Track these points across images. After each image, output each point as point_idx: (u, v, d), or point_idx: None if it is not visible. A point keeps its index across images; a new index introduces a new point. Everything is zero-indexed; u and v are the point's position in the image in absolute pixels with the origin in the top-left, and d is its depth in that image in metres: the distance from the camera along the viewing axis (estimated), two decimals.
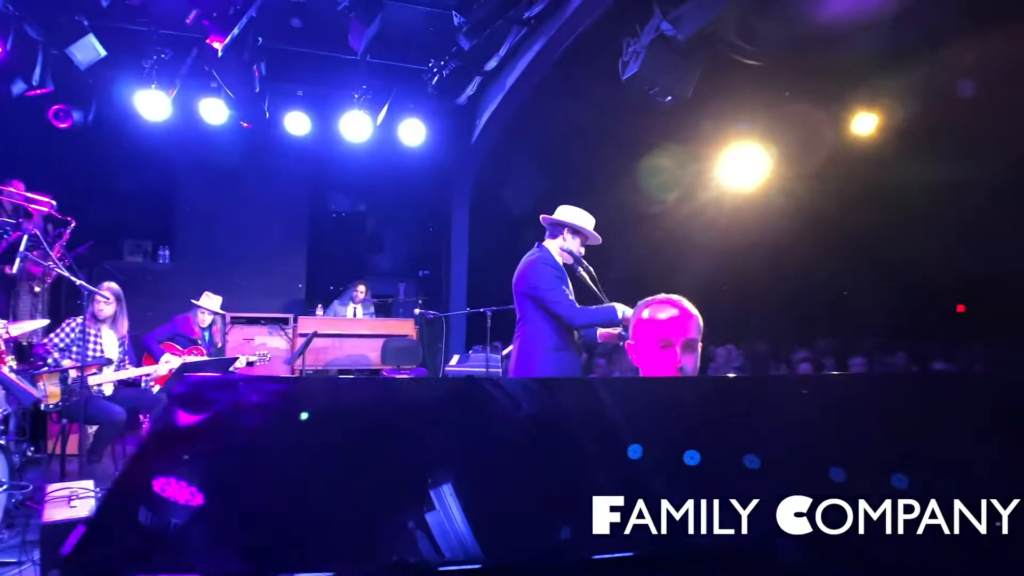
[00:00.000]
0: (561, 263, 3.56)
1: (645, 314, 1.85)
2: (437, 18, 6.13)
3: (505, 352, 6.79)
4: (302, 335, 6.98)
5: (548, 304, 3.36)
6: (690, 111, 6.25)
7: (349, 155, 8.06)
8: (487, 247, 8.77)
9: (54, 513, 3.16)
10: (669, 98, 5.19)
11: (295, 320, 8.08)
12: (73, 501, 3.31)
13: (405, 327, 7.52)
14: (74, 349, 4.82)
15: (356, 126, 7.38)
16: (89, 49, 5.85)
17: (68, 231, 5.87)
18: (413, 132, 7.62)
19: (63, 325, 4.98)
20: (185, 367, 4.78)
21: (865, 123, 7.48)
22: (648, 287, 3.49)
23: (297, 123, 7.36)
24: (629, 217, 7.85)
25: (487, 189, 8.68)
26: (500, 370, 6.35)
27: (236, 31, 5.08)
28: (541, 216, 3.73)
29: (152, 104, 6.76)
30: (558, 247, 3.62)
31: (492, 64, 6.28)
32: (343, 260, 9.46)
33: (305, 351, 6.31)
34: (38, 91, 6.25)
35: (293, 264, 8.78)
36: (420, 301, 7.87)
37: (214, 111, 7.01)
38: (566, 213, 3.66)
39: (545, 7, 5.33)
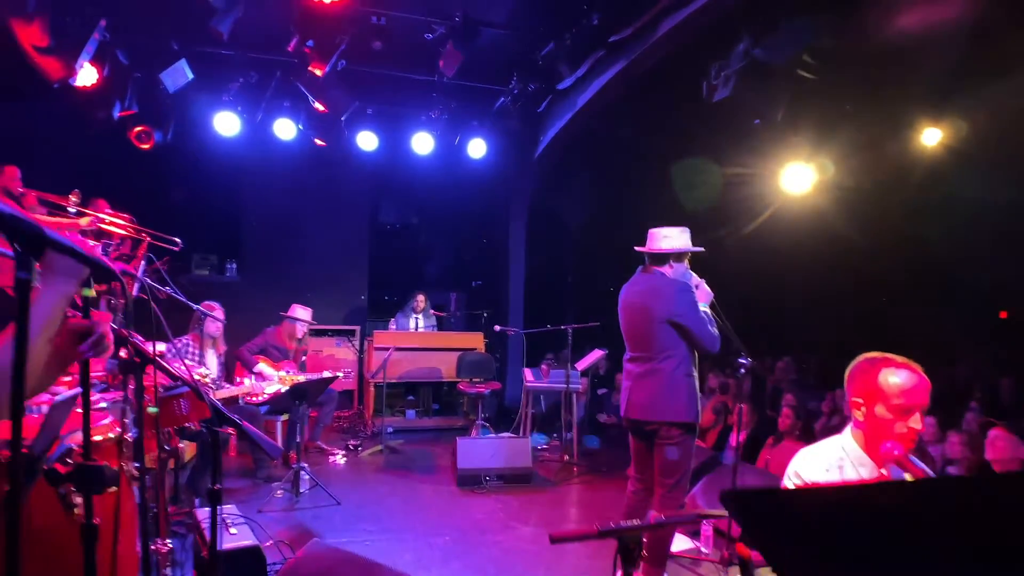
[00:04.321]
0: None
1: (883, 378, 1.96)
2: (513, 40, 6.25)
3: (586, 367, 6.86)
4: (378, 349, 7.13)
5: (696, 332, 3.44)
6: (751, 126, 6.36)
7: (410, 170, 8.22)
8: (544, 260, 8.91)
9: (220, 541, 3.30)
10: (757, 121, 5.29)
11: (363, 331, 8.26)
12: (231, 528, 3.45)
13: (475, 340, 7.66)
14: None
15: (422, 144, 7.58)
16: (180, 74, 5.99)
17: (143, 248, 6.02)
18: (475, 148, 7.79)
19: (174, 342, 5.13)
20: (294, 390, 4.92)
21: (926, 137, 7.54)
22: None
23: (366, 141, 7.51)
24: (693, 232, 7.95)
25: (546, 203, 8.81)
26: (579, 387, 6.49)
27: (335, 58, 5.20)
28: (657, 247, 3.65)
29: (226, 123, 6.97)
30: (678, 273, 3.65)
31: (566, 83, 6.36)
32: (399, 271, 9.62)
33: (386, 366, 6.47)
34: (124, 113, 6.42)
35: (356, 276, 8.91)
36: (485, 314, 7.99)
37: (285, 129, 7.19)
38: (677, 238, 3.64)
39: (632, 32, 5.42)
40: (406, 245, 10.01)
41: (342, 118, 6.65)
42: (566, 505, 5.28)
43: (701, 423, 6.10)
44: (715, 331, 3.50)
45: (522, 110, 6.94)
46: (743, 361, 3.82)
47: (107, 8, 5.32)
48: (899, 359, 2.00)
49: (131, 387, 2.25)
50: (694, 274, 3.68)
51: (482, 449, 5.53)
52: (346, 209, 8.83)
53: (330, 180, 8.44)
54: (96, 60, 5.65)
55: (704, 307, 3.56)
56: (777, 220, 8.32)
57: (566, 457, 6.22)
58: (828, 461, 2.05)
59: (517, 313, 8.71)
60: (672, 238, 3.61)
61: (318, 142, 7.11)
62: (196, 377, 3.87)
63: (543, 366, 6.83)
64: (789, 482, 2.09)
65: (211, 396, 2.20)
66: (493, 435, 5.98)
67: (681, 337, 3.49)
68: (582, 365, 6.43)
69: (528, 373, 6.72)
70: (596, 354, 6.52)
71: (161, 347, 4.96)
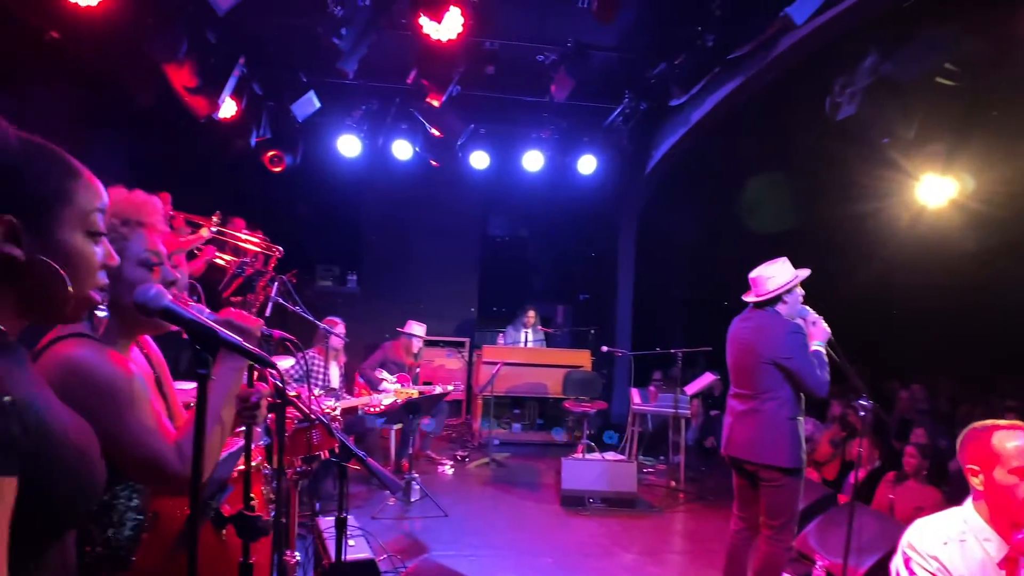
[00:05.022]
0: None
1: (997, 442, 1.86)
2: (624, 60, 6.23)
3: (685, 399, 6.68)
4: (486, 363, 7.33)
5: (802, 376, 3.32)
6: (878, 142, 5.96)
7: (520, 185, 8.38)
8: (653, 275, 8.80)
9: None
10: (886, 140, 4.98)
11: (472, 343, 8.53)
12: (350, 540, 3.70)
13: (582, 358, 7.69)
14: (319, 382, 5.39)
15: (533, 161, 7.74)
16: (309, 104, 6.45)
17: (273, 261, 6.52)
18: (585, 164, 7.83)
19: (298, 356, 5.54)
20: (409, 404, 5.18)
21: None
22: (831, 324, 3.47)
23: (478, 160, 7.75)
24: (810, 250, 7.57)
25: (656, 219, 8.70)
26: (688, 412, 6.35)
27: (450, 88, 5.42)
28: (765, 290, 3.50)
29: (349, 146, 7.44)
30: (790, 311, 3.56)
31: (679, 100, 6.25)
32: (508, 283, 9.83)
33: (494, 381, 6.65)
34: (259, 140, 7.00)
35: (466, 287, 9.21)
36: (593, 331, 8.00)
37: (402, 149, 7.57)
38: (781, 272, 3.50)
39: (750, 49, 5.25)
40: (515, 257, 10.21)
41: (457, 144, 6.90)
42: (670, 534, 5.20)
43: (817, 455, 5.83)
44: (825, 375, 3.35)
45: (633, 127, 6.89)
46: (864, 403, 3.62)
47: (245, 46, 5.80)
48: (1006, 423, 1.90)
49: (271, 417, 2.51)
50: (811, 310, 3.54)
51: (586, 470, 5.56)
52: (458, 223, 9.14)
53: (443, 196, 8.76)
54: (235, 94, 6.18)
55: (819, 345, 3.41)
56: (911, 235, 7.75)
57: (672, 483, 6.11)
58: (947, 534, 1.94)
59: (624, 330, 8.65)
60: (777, 276, 3.48)
61: (433, 163, 7.41)
62: (326, 409, 4.19)
63: (651, 388, 6.75)
64: (903, 554, 2.00)
65: (340, 433, 2.39)
66: (598, 455, 5.98)
67: (786, 379, 3.38)
68: (692, 389, 6.30)
69: (635, 394, 6.67)
70: (707, 378, 6.36)
71: (290, 362, 5.40)
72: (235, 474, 2.26)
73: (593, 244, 9.69)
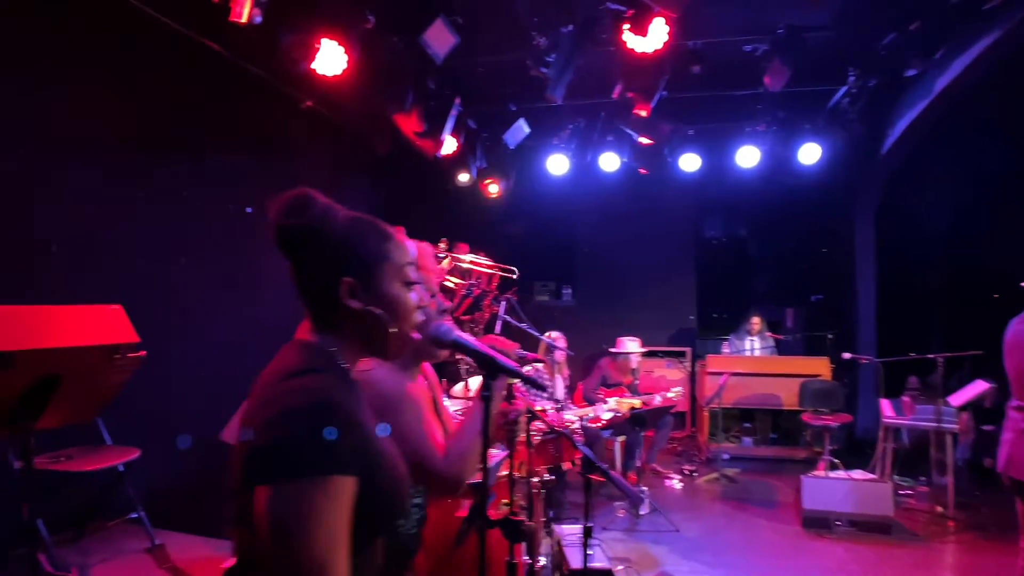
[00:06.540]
0: None
1: None
2: (843, 37, 5.65)
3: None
4: (711, 373, 7.06)
5: None
6: None
7: (734, 183, 7.97)
8: (901, 271, 7.80)
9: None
10: None
11: (694, 352, 8.27)
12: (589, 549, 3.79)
13: (819, 366, 7.04)
14: (547, 395, 5.67)
15: (747, 157, 7.32)
16: (519, 131, 6.81)
17: (496, 281, 6.91)
18: (807, 153, 7.22)
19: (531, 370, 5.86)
20: (634, 416, 5.20)
21: None
22: None
23: (688, 162, 7.53)
24: None
25: (899, 206, 7.71)
26: (955, 427, 5.51)
27: (657, 95, 5.36)
28: None
29: (557, 165, 7.69)
30: None
31: (917, 70, 5.50)
32: (728, 287, 9.38)
33: (721, 393, 6.37)
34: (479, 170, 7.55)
35: (683, 295, 8.96)
36: (830, 336, 7.30)
37: (609, 161, 7.62)
38: None
39: None
40: (734, 259, 9.71)
41: (665, 149, 6.80)
42: (936, 567, 4.51)
43: None
44: None
45: (863, 107, 6.22)
46: None
47: (459, 86, 6.28)
48: None
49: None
50: None
51: (832, 489, 5.08)
52: (670, 228, 8.93)
53: (653, 202, 8.63)
54: (454, 131, 6.72)
55: None
56: None
57: (939, 508, 5.33)
58: None
59: (868, 333, 7.74)
60: None
61: (641, 171, 7.37)
62: (566, 423, 4.42)
63: (905, 398, 5.96)
64: None
65: (583, 445, 2.50)
66: (844, 473, 5.43)
67: None
68: (957, 400, 5.42)
69: (886, 406, 5.94)
70: (978, 387, 5.43)
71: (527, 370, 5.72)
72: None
73: (823, 238, 8.85)
